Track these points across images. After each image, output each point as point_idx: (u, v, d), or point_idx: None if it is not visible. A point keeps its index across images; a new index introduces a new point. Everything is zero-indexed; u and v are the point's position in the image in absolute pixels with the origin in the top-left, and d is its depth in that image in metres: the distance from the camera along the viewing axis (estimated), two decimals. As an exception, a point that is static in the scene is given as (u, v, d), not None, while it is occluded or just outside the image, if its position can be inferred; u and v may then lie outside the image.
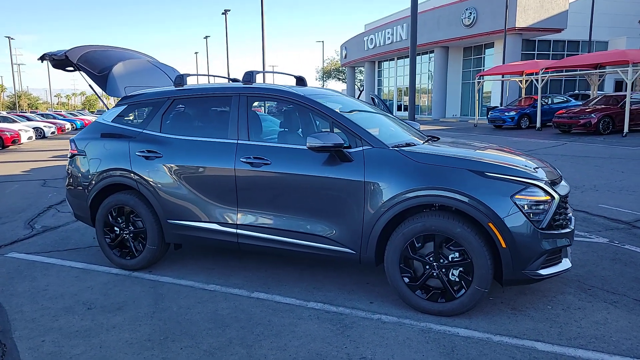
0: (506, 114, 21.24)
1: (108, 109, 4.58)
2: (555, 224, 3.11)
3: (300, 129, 4.43)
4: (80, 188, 4.40)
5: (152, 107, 4.26)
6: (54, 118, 33.77)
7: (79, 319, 3.33)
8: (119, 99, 4.58)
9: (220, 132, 3.96)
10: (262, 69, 21.83)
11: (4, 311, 3.48)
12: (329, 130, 3.61)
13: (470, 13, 28.89)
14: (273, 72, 4.32)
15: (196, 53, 74.75)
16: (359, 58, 43.18)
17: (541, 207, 3.04)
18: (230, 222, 3.80)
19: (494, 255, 3.08)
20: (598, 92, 22.10)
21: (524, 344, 2.84)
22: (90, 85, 4.63)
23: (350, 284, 3.85)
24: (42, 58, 4.73)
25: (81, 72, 4.57)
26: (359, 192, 3.33)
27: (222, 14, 32.37)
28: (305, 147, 3.55)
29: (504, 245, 2.98)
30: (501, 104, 27.26)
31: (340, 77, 57.91)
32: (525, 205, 3.00)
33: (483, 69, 30.96)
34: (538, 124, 19.87)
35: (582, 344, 2.81)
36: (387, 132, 3.75)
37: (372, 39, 39.70)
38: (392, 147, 3.40)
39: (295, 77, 4.77)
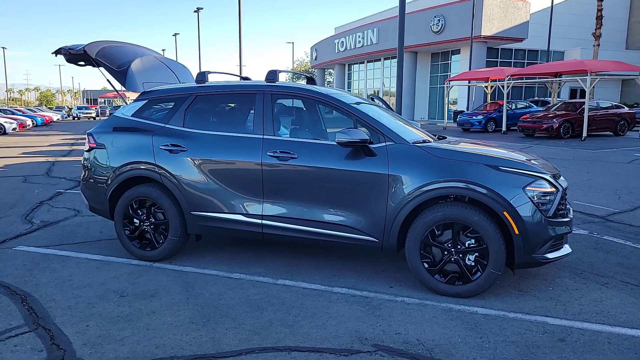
0: (474, 117, 22.14)
1: (127, 104, 4.67)
2: (559, 213, 3.49)
3: (315, 126, 4.68)
4: (99, 181, 4.48)
5: (174, 103, 4.39)
6: (12, 114, 32.42)
7: (116, 305, 3.45)
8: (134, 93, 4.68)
9: (245, 128, 4.16)
10: (239, 69, 21.82)
11: (36, 300, 3.55)
12: (352, 126, 3.86)
13: (439, 20, 29.85)
14: (293, 72, 4.50)
15: (164, 50, 72.97)
16: (330, 60, 43.65)
17: (548, 197, 3.41)
18: (255, 213, 4.00)
19: (507, 241, 3.43)
20: (557, 98, 23.35)
21: (536, 319, 3.20)
22: (108, 80, 4.70)
23: (367, 271, 4.12)
24: (57, 52, 4.76)
25: (100, 67, 4.64)
26: (382, 185, 3.61)
27: (194, 11, 32.06)
28: (328, 142, 3.82)
29: (516, 231, 3.33)
30: (467, 109, 28.34)
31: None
32: (535, 196, 3.36)
33: (449, 74, 32.03)
34: (504, 128, 20.82)
35: (586, 318, 3.20)
36: (403, 129, 4.05)
37: (342, 41, 40.23)
38: (412, 143, 3.70)
39: (305, 77, 5.02)
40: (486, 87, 25.43)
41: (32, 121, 31.80)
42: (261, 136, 3.99)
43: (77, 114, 49.97)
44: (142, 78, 4.69)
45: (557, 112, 18.67)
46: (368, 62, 40.91)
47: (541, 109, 22.43)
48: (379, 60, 39.07)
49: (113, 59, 4.66)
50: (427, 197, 3.49)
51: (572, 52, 33.40)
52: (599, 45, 28.46)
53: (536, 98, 28.62)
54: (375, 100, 5.97)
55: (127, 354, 2.78)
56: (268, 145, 3.94)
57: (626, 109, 19.75)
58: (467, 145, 3.90)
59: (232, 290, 3.72)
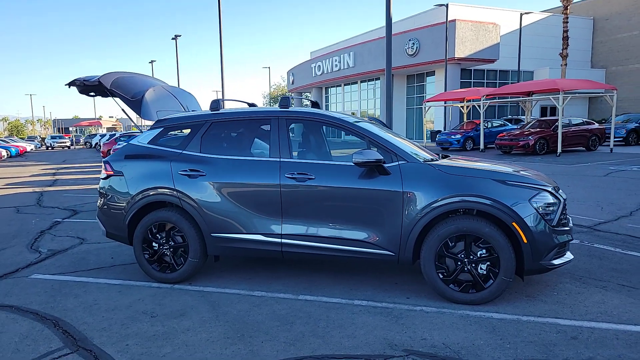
0: (452, 136, 22.83)
1: (142, 132, 4.84)
2: (561, 222, 3.80)
3: (320, 149, 4.93)
4: (117, 207, 4.60)
5: (190, 130, 4.59)
6: (-13, 145, 31.79)
7: (149, 325, 3.57)
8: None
9: (262, 152, 4.38)
10: (221, 95, 22.06)
11: (68, 324, 3.63)
12: (365, 148, 4.11)
13: (413, 43, 30.87)
14: (304, 99, 4.71)
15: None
16: (307, 84, 44.35)
17: (551, 208, 3.72)
18: (274, 232, 4.19)
19: (515, 250, 3.70)
20: (531, 117, 24.30)
21: (547, 321, 3.46)
22: (123, 110, 4.87)
23: (381, 284, 4.33)
24: (71, 84, 4.93)
25: (115, 97, 4.82)
26: (397, 201, 3.86)
27: (172, 39, 32.35)
28: (344, 163, 4.07)
29: (525, 240, 3.62)
30: (444, 128, 29.15)
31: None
32: (540, 207, 3.67)
33: (425, 96, 32.99)
34: (482, 146, 21.52)
35: (592, 318, 3.48)
36: (412, 149, 4.33)
37: (319, 65, 41.03)
38: (423, 161, 3.98)
39: (311, 101, 5.29)
40: (462, 107, 26.29)
41: (7, 152, 31.27)
42: (278, 159, 4.22)
43: (51, 144, 49.28)
44: (155, 107, 4.88)
45: (532, 130, 19.46)
46: (345, 84, 41.75)
47: (515, 127, 23.32)
48: (356, 83, 39.94)
49: (127, 89, 4.85)
50: (440, 212, 3.75)
51: (541, 72, 34.83)
52: (566, 64, 29.91)
53: (509, 116, 29.70)
54: (374, 122, 6.29)
55: (174, 369, 2.91)
56: (285, 167, 4.16)
57: (597, 125, 20.70)
58: (470, 163, 4.20)
59: (257, 307, 3.88)
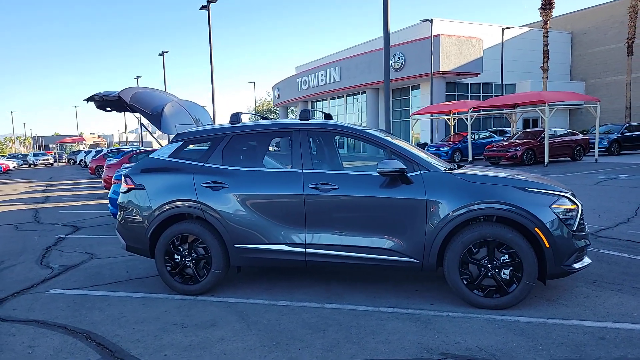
0: (441, 149, 23.20)
1: (162, 146, 4.88)
2: (580, 227, 3.95)
3: (333, 160, 5.03)
4: (139, 220, 4.62)
5: (211, 143, 4.65)
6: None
7: (182, 335, 3.59)
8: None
9: (284, 163, 4.46)
10: (212, 109, 22.08)
11: (100, 337, 3.63)
12: (387, 158, 4.22)
13: (399, 58, 31.42)
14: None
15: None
16: (293, 99, 44.63)
17: (570, 214, 3.88)
18: (298, 242, 4.25)
19: (538, 255, 3.83)
20: (516, 128, 24.86)
21: (573, 323, 3.58)
22: (142, 124, 4.92)
23: (403, 291, 4.42)
24: (90, 99, 4.96)
25: (135, 112, 4.86)
26: (421, 209, 3.98)
27: (160, 54, 32.34)
28: (366, 173, 4.18)
29: (547, 245, 3.75)
30: (431, 141, 29.59)
31: (273, 117, 59.12)
32: (560, 213, 3.82)
33: (411, 109, 33.49)
34: (470, 157, 21.89)
35: (615, 319, 3.61)
36: (431, 159, 4.45)
37: (305, 80, 41.38)
38: (444, 170, 4.11)
39: (324, 113, 5.41)
40: (449, 119, 26.75)
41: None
42: (301, 170, 4.30)
43: (33, 161, 48.49)
44: (174, 121, 4.95)
45: (519, 141, 19.91)
46: (331, 99, 42.15)
47: (501, 138, 23.82)
48: (342, 97, 40.36)
49: (146, 104, 4.91)
50: (464, 219, 3.87)
51: (523, 85, 35.72)
52: (547, 77, 30.78)
53: (494, 128, 30.31)
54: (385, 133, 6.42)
55: (219, 378, 2.94)
56: (309, 178, 4.25)
57: (581, 136, 21.27)
58: (487, 171, 4.34)
59: (285, 315, 3.93)
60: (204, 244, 4.46)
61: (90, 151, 37.81)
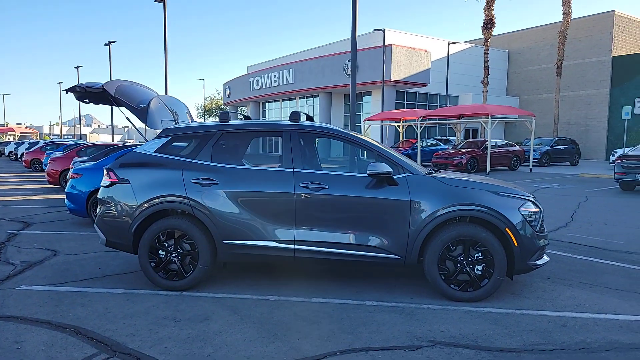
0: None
1: (147, 140, 4.85)
2: (542, 228, 4.41)
3: (312, 160, 5.22)
4: (122, 215, 4.57)
5: (200, 139, 4.70)
6: None
7: (178, 329, 3.64)
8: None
9: (274, 162, 4.60)
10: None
11: (90, 331, 3.59)
12: (374, 160, 4.49)
13: (351, 64, 32.11)
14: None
15: (60, 82, 68.08)
16: (244, 98, 44.23)
17: (535, 216, 4.32)
18: (287, 239, 4.41)
19: (506, 252, 4.24)
20: (461, 138, 26.21)
21: (537, 313, 4.00)
22: (127, 118, 4.86)
23: (383, 286, 4.69)
24: (71, 89, 4.83)
25: (119, 106, 4.80)
26: (405, 210, 4.27)
27: (106, 44, 30.99)
28: (355, 174, 4.44)
29: (516, 244, 4.16)
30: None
31: (221, 116, 58.23)
32: (527, 215, 4.25)
33: (362, 114, 34.30)
34: (419, 163, 22.82)
35: (571, 309, 4.08)
36: (413, 163, 4.75)
37: (258, 80, 41.18)
38: (425, 174, 4.44)
39: (306, 115, 5.60)
40: (398, 126, 27.71)
41: None
42: (291, 169, 4.47)
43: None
44: (160, 116, 4.94)
45: (464, 150, 21.07)
46: (283, 100, 42.21)
47: (446, 146, 25.05)
48: (295, 99, 40.57)
49: (131, 98, 4.87)
50: (444, 219, 4.21)
51: (465, 97, 37.63)
52: (487, 91, 32.62)
53: (439, 137, 31.76)
54: None
55: (226, 366, 3.05)
56: (299, 177, 4.42)
57: (517, 147, 22.83)
58: (463, 176, 4.72)
59: (277, 309, 4.07)
60: (190, 240, 4.49)
61: (22, 142, 35.42)
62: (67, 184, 8.14)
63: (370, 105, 34.34)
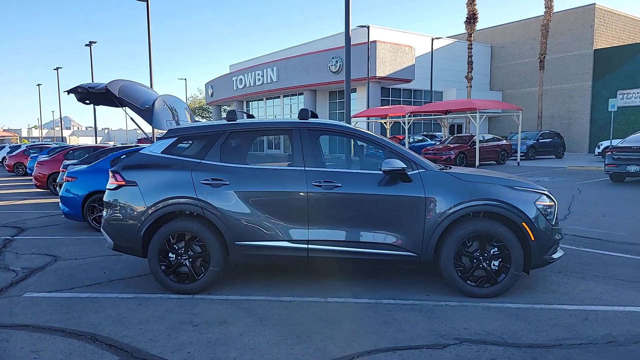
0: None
1: (153, 142, 4.73)
2: (556, 222, 4.42)
3: (316, 157, 5.16)
4: (130, 218, 4.45)
5: (208, 139, 4.60)
6: None
7: (197, 333, 3.55)
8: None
9: (285, 161, 4.52)
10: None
11: (108, 338, 3.48)
12: (386, 158, 4.42)
13: (337, 61, 32.05)
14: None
15: (39, 85, 66.54)
16: (228, 97, 43.86)
17: (549, 209, 4.33)
18: (301, 238, 4.34)
19: (523, 246, 4.23)
20: (447, 133, 26.40)
21: (556, 307, 4.01)
22: (132, 119, 4.73)
23: (396, 285, 4.66)
24: (73, 90, 4.68)
25: (123, 107, 4.66)
26: (420, 206, 4.23)
27: (86, 45, 30.35)
28: (367, 171, 4.39)
29: (532, 238, 4.16)
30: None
31: (205, 115, 57.74)
32: (542, 209, 4.25)
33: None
34: (407, 160, 22.92)
35: (591, 303, 4.09)
36: (425, 159, 4.73)
37: (241, 79, 40.86)
38: (438, 170, 4.41)
39: (311, 112, 5.52)
40: (385, 122, 27.80)
41: None
42: (303, 168, 4.39)
43: None
44: (165, 116, 4.81)
45: (452, 145, 21.21)
46: (267, 99, 41.98)
47: (433, 142, 25.21)
48: (279, 97, 40.37)
49: (134, 98, 4.74)
50: (460, 214, 4.18)
51: (449, 92, 37.88)
52: (471, 86, 32.92)
53: (424, 132, 31.95)
54: None
55: (255, 371, 2.97)
56: (311, 175, 4.35)
57: (504, 142, 23.08)
58: (481, 171, 4.70)
59: (294, 310, 4.00)
60: (201, 242, 4.39)
61: (3, 146, 34.56)
62: (62, 188, 7.93)
63: (356, 102, 34.29)
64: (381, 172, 4.28)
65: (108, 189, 4.60)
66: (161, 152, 4.60)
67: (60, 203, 7.95)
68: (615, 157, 13.21)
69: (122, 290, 4.61)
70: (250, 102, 44.71)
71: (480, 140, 21.17)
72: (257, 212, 4.35)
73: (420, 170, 4.34)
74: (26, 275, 5.19)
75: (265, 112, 42.77)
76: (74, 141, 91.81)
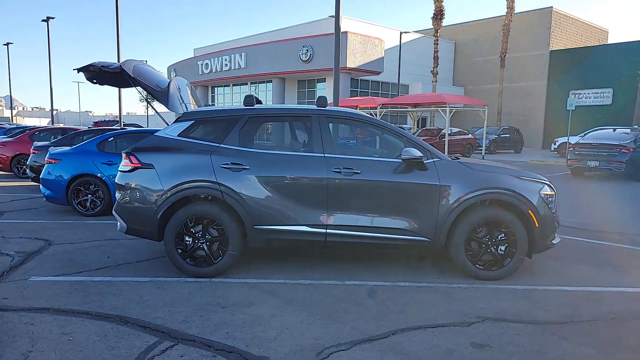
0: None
1: (168, 124, 4.67)
2: (556, 210, 4.74)
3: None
4: (146, 201, 4.40)
5: (226, 124, 4.59)
6: None
7: (229, 314, 3.60)
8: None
9: (305, 147, 4.59)
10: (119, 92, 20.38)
11: (139, 320, 3.47)
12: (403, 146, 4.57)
13: (307, 50, 31.97)
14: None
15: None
16: (192, 82, 42.72)
17: (551, 198, 4.63)
18: (320, 223, 4.44)
19: (528, 232, 4.51)
20: (416, 126, 27.00)
21: (558, 288, 4.32)
22: (147, 99, 4.64)
23: (406, 268, 4.85)
24: (84, 69, 4.52)
25: (137, 86, 4.56)
26: (435, 193, 4.43)
27: (43, 21, 28.77)
28: (385, 159, 4.54)
29: (537, 225, 4.45)
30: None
31: (166, 100, 56.11)
32: (545, 198, 4.54)
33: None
34: (376, 151, 23.32)
35: (586, 284, 4.43)
36: (437, 149, 4.90)
37: (207, 63, 39.99)
38: (452, 159, 4.61)
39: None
40: (354, 114, 28.06)
41: None
42: (322, 154, 4.48)
43: None
44: (179, 99, 4.76)
45: (421, 138, 21.74)
46: (234, 85, 41.35)
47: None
48: (246, 84, 39.86)
49: (149, 79, 4.65)
50: (472, 202, 4.40)
51: (415, 86, 38.66)
52: (436, 81, 33.74)
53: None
54: None
55: (299, 346, 3.08)
56: (331, 162, 4.45)
57: (470, 135, 23.91)
58: (489, 162, 4.95)
59: (316, 292, 4.11)
60: (219, 226, 4.41)
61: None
62: (43, 170, 7.63)
63: (324, 92, 34.41)
64: (398, 160, 4.43)
65: (121, 171, 4.52)
66: (177, 135, 4.56)
67: (41, 186, 7.66)
68: (577, 152, 14.02)
69: (135, 274, 4.56)
70: (216, 88, 43.90)
71: (448, 133, 21.82)
72: (277, 197, 4.40)
73: (435, 159, 4.53)
74: (24, 259, 5.02)
75: (231, 98, 42.11)
76: (20, 121, 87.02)
